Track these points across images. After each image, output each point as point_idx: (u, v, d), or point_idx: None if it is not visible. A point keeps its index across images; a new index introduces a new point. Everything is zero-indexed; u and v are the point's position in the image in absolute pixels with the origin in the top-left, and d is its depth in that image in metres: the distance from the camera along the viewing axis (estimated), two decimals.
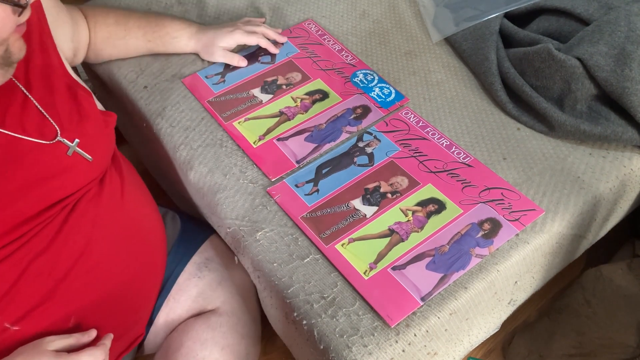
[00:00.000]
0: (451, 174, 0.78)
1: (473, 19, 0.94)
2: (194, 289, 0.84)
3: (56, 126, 0.66)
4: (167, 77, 0.93)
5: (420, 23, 1.02)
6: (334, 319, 0.65)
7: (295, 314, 0.67)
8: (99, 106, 0.75)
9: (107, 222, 0.71)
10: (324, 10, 1.05)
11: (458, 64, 0.95)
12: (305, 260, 0.71)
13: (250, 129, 0.85)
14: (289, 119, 0.86)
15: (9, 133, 0.62)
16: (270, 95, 0.90)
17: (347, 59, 0.95)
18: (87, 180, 0.69)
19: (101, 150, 0.71)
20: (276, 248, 0.72)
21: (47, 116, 0.65)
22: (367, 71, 0.93)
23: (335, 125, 0.85)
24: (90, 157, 0.68)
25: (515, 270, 0.72)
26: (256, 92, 0.90)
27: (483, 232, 0.71)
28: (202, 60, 0.95)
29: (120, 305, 0.74)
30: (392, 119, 0.86)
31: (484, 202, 0.74)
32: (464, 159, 0.80)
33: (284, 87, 0.91)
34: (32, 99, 0.65)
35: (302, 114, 0.87)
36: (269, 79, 0.92)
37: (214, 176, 0.80)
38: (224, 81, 0.92)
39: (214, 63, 0.94)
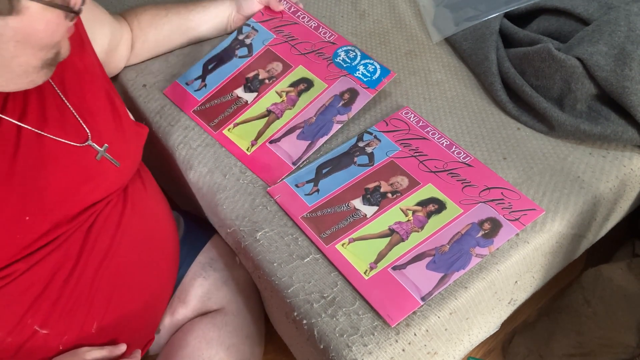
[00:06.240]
0: (451, 173, 0.78)
1: (473, 19, 0.94)
2: (199, 288, 0.84)
3: (87, 130, 0.66)
4: (166, 77, 0.93)
5: (420, 23, 1.02)
6: (334, 319, 0.65)
7: (295, 314, 0.67)
8: (131, 116, 0.76)
9: (131, 225, 0.71)
10: (324, 10, 1.05)
11: (458, 64, 0.95)
12: (306, 260, 0.70)
13: (240, 135, 0.83)
14: (278, 117, 0.84)
15: (48, 135, 0.62)
16: (255, 94, 0.87)
17: (325, 37, 0.91)
18: (116, 187, 0.70)
19: (130, 158, 0.72)
20: (276, 248, 0.72)
21: (80, 120, 0.66)
22: (348, 48, 0.89)
23: (325, 116, 0.83)
24: (118, 163, 0.69)
25: (516, 270, 0.72)
26: (240, 92, 0.87)
27: (483, 232, 0.71)
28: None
29: (139, 309, 0.74)
30: (392, 118, 0.86)
31: (484, 202, 0.74)
32: (464, 158, 0.80)
33: (267, 81, 0.88)
34: (66, 101, 0.65)
35: (290, 109, 0.85)
36: (250, 75, 0.88)
37: (213, 176, 0.80)
38: (205, 85, 0.89)
39: (192, 67, 0.91)
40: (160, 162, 0.96)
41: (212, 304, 0.83)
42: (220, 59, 0.91)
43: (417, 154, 0.81)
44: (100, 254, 0.68)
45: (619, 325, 0.86)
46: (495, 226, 0.72)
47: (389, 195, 0.76)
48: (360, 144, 0.82)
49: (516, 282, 0.74)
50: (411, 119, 0.85)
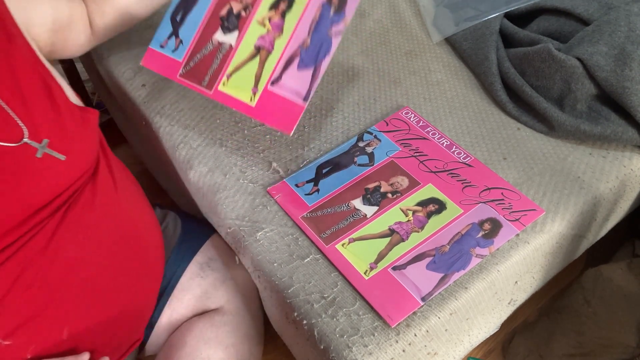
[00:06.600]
0: (451, 173, 0.78)
1: (473, 19, 0.95)
2: (197, 288, 0.83)
3: (23, 126, 0.60)
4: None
5: (420, 23, 1.02)
6: (334, 319, 0.65)
7: (295, 314, 0.67)
8: (75, 101, 0.69)
9: (102, 229, 0.68)
10: None
11: (458, 64, 0.95)
12: (306, 260, 0.70)
13: (237, 86, 0.74)
14: (270, 52, 0.73)
15: None
16: (236, 32, 0.75)
17: None
18: (67, 182, 0.64)
19: (78, 148, 0.65)
20: (276, 248, 0.72)
21: (14, 115, 0.59)
22: None
23: (320, 32, 0.71)
24: (63, 156, 0.62)
25: (516, 270, 0.72)
26: (219, 36, 0.75)
27: (483, 232, 0.71)
28: None
29: (117, 314, 0.71)
30: (392, 118, 0.86)
31: (484, 202, 0.74)
32: (464, 158, 0.80)
33: (243, 13, 0.75)
34: None
35: (279, 37, 0.73)
36: (224, 12, 0.76)
37: (213, 176, 0.80)
38: (181, 42, 0.77)
39: (160, 26, 0.78)
40: (160, 162, 0.96)
41: (211, 304, 0.83)
42: (185, 3, 0.78)
43: (417, 154, 0.81)
44: (69, 257, 0.64)
45: (619, 325, 0.86)
46: (495, 226, 0.72)
47: (389, 195, 0.76)
48: (361, 144, 0.82)
49: (516, 282, 0.74)
50: (411, 119, 0.85)
